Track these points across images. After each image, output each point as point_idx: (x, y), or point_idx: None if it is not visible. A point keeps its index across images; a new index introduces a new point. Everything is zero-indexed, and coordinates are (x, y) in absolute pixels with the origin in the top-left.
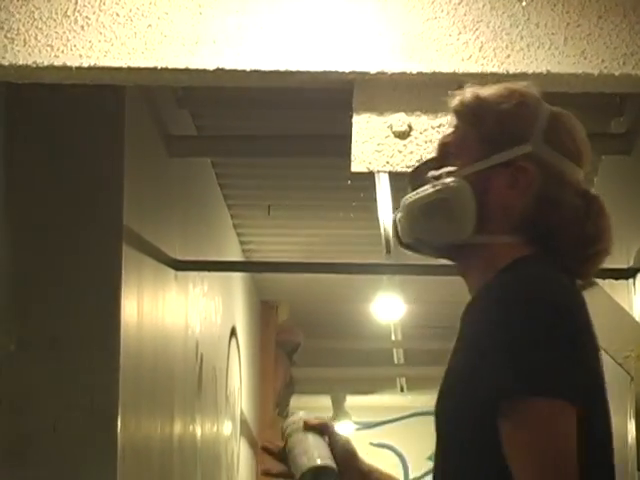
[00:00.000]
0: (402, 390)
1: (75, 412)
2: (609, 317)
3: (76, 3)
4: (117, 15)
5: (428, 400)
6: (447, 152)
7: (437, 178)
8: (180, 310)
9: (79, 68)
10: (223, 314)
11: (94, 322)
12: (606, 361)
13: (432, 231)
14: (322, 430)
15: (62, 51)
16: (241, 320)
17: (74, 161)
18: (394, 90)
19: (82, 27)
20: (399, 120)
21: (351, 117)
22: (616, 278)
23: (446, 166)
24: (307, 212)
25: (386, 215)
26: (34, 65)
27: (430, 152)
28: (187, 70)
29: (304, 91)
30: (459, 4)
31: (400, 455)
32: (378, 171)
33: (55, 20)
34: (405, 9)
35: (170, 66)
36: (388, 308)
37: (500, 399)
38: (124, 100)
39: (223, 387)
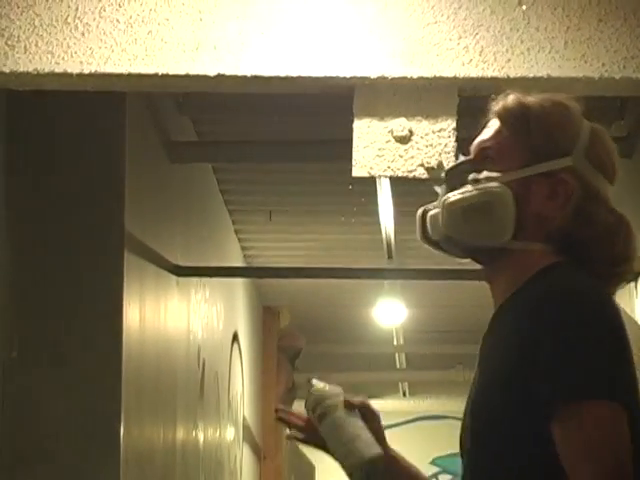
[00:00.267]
0: (404, 395)
1: (78, 418)
2: None
3: (76, 10)
4: (117, 22)
5: (430, 405)
6: (486, 155)
7: (477, 181)
8: (182, 316)
9: (80, 75)
10: (225, 320)
11: (96, 328)
12: None
13: (470, 232)
14: (361, 410)
15: (63, 58)
16: (243, 325)
17: (75, 168)
18: (395, 95)
19: (83, 34)
20: (400, 125)
21: (352, 122)
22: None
23: (485, 169)
24: (308, 217)
25: (387, 220)
26: (35, 72)
27: (431, 156)
28: (188, 76)
29: (305, 96)
30: (459, 8)
31: None
32: (379, 176)
33: (56, 27)
34: (405, 14)
35: (171, 72)
36: (390, 313)
37: (555, 401)
38: (125, 106)
39: (225, 392)
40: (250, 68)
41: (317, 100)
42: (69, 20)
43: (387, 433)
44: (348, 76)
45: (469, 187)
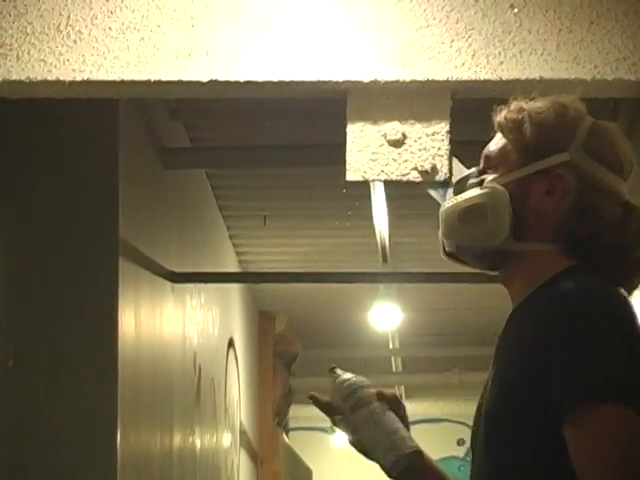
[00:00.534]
0: (401, 398)
1: (74, 425)
2: None
3: (68, 18)
4: (109, 29)
5: (427, 408)
6: (489, 163)
7: (473, 185)
8: (177, 322)
9: (72, 82)
10: (220, 325)
11: (92, 335)
12: None
13: (467, 236)
14: (390, 403)
15: (55, 66)
16: (239, 331)
17: (69, 175)
18: (387, 99)
19: (75, 41)
20: (393, 129)
21: (345, 126)
22: None
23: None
24: (303, 222)
25: (382, 223)
26: (27, 80)
27: (425, 160)
28: (180, 82)
29: (298, 101)
30: (451, 12)
31: None
32: (373, 180)
33: (48, 35)
34: (397, 17)
35: (163, 79)
36: (385, 316)
37: (567, 402)
38: (118, 113)
39: (222, 398)
40: (243, 73)
41: (310, 105)
42: (61, 28)
43: None
44: (341, 80)
45: (465, 193)
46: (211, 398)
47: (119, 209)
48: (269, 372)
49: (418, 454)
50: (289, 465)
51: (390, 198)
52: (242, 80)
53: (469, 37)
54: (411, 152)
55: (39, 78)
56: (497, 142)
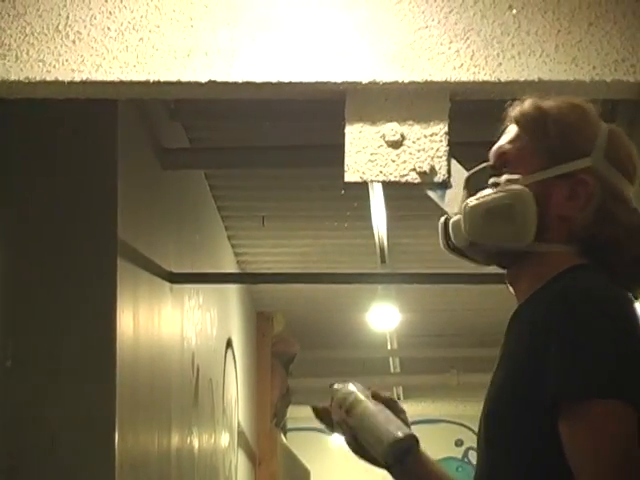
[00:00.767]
0: (399, 399)
1: (73, 426)
2: None
3: (67, 18)
4: (108, 29)
5: (424, 408)
6: (505, 161)
7: (497, 184)
8: (176, 322)
9: (71, 83)
10: (219, 326)
11: (90, 336)
12: None
13: (492, 236)
14: (388, 404)
15: (54, 66)
16: (237, 331)
17: (68, 176)
18: (386, 100)
19: (74, 42)
20: (392, 130)
21: (344, 127)
22: None
23: (504, 173)
24: (301, 222)
25: (380, 224)
26: (26, 80)
27: (423, 161)
28: (179, 83)
29: (296, 102)
30: (450, 13)
31: None
32: (372, 181)
33: (47, 35)
34: (396, 18)
35: (162, 79)
36: (383, 317)
37: (562, 400)
38: (117, 114)
39: (220, 398)
40: (241, 74)
41: (309, 106)
42: (60, 28)
43: None
44: (339, 81)
45: (489, 191)
46: (209, 398)
47: (118, 209)
48: (267, 373)
49: (415, 438)
50: (287, 465)
51: (388, 199)
52: (241, 81)
53: (468, 38)
54: (410, 153)
55: (38, 78)
56: (513, 139)
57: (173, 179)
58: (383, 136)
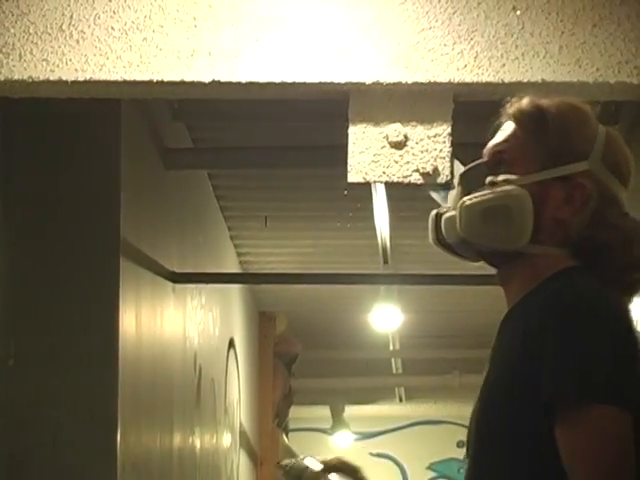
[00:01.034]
0: (401, 400)
1: (75, 425)
2: None
3: (71, 17)
4: (112, 29)
5: (427, 409)
6: (501, 159)
7: (494, 184)
8: (178, 322)
9: (75, 82)
10: (221, 326)
11: (92, 335)
12: None
13: (487, 236)
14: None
15: (57, 65)
16: (239, 331)
17: (71, 175)
18: (390, 100)
19: (77, 41)
20: (395, 130)
21: (347, 128)
22: None
23: (501, 172)
24: (304, 223)
25: (383, 225)
26: (30, 80)
27: (426, 162)
28: (183, 83)
29: (300, 102)
30: (454, 14)
31: (400, 465)
32: (374, 181)
33: (50, 34)
34: (400, 19)
35: (166, 79)
36: (386, 318)
37: (559, 402)
38: (120, 114)
39: (222, 398)
40: (245, 74)
41: (312, 106)
42: (64, 28)
43: (384, 438)
44: (343, 82)
45: (486, 190)
46: (211, 398)
47: (120, 209)
48: (269, 373)
49: None
50: None
51: (391, 200)
52: (244, 81)
53: (471, 39)
54: (413, 154)
55: (41, 78)
56: (510, 137)
57: (176, 179)
58: (386, 137)
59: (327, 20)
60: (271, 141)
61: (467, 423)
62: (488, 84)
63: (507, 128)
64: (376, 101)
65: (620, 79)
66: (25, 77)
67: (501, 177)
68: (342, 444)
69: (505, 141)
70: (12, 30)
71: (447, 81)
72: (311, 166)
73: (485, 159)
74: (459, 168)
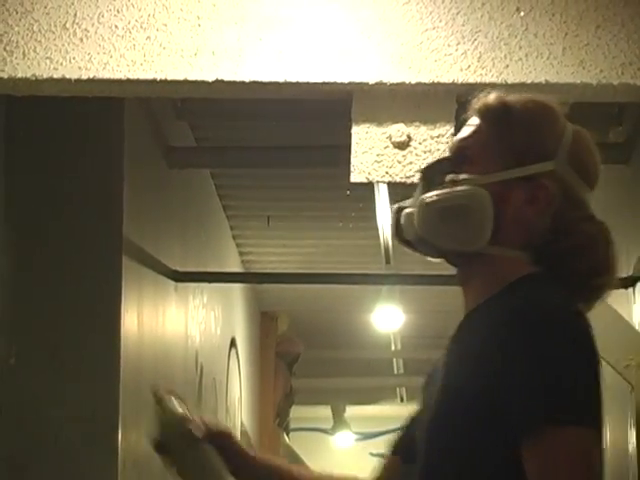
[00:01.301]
0: (402, 400)
1: (76, 424)
2: (609, 326)
3: (75, 16)
4: (116, 27)
5: None
6: (464, 155)
7: (455, 182)
8: (180, 321)
9: (78, 80)
10: (223, 325)
11: (94, 334)
12: (606, 370)
13: (445, 235)
14: (223, 439)
15: (61, 63)
16: (241, 331)
17: (73, 174)
18: (393, 100)
19: (81, 39)
20: (398, 131)
21: (350, 128)
22: (616, 287)
23: (463, 169)
24: (306, 223)
25: (385, 225)
26: (33, 78)
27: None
28: (186, 82)
29: (303, 102)
30: (457, 14)
31: None
32: (377, 181)
33: (54, 33)
34: (404, 20)
35: (169, 78)
36: (388, 318)
37: (524, 424)
38: (123, 112)
39: (223, 398)
40: (248, 74)
41: (315, 106)
42: (67, 26)
43: (385, 439)
44: (346, 82)
45: (447, 189)
46: (212, 398)
47: (123, 208)
48: (271, 372)
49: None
50: None
51: (394, 200)
52: (248, 80)
53: (475, 40)
54: (416, 154)
55: (45, 76)
56: (475, 134)
57: (179, 178)
58: (389, 137)
59: (331, 20)
60: (274, 141)
61: None
62: (491, 85)
63: (472, 123)
64: (379, 101)
65: (624, 80)
66: (28, 75)
67: (462, 176)
68: (343, 444)
69: (469, 137)
70: (16, 28)
71: (450, 81)
72: (314, 166)
73: (449, 155)
74: None
